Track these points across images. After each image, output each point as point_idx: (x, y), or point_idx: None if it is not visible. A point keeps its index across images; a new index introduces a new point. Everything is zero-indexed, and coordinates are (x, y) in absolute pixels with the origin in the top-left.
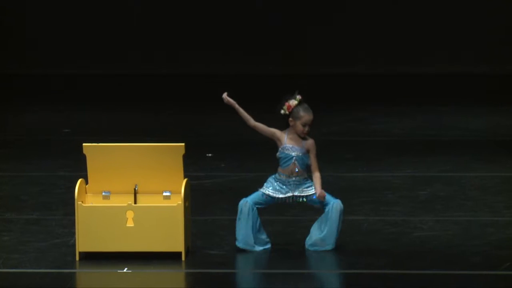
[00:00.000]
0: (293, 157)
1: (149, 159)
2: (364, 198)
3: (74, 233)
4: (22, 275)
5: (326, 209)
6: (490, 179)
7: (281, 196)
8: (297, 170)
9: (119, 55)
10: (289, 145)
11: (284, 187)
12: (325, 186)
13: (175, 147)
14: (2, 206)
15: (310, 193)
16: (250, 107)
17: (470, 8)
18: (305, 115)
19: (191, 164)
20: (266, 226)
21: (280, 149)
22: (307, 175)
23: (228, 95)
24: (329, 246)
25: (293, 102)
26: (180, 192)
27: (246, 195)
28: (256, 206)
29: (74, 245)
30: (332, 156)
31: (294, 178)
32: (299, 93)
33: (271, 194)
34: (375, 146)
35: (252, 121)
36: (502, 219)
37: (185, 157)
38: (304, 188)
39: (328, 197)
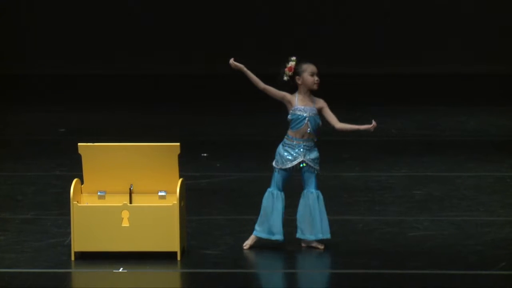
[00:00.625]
0: (305, 117)
1: (144, 159)
2: (360, 197)
3: (69, 233)
4: (17, 274)
5: (309, 198)
6: (485, 179)
7: (293, 164)
8: (309, 131)
9: (118, 55)
10: (301, 106)
11: (292, 152)
12: (320, 185)
13: (170, 147)
14: None
15: (317, 168)
16: (250, 107)
17: (470, 8)
18: (309, 66)
19: (187, 164)
20: None
21: (291, 111)
22: (316, 140)
23: (235, 59)
24: (327, 235)
25: (292, 63)
26: (176, 192)
27: (242, 195)
28: (282, 189)
29: (69, 245)
30: (328, 155)
31: (305, 143)
32: (293, 55)
33: (283, 167)
34: (371, 146)
35: (261, 84)
36: (497, 218)
37: (181, 157)
38: (313, 157)
39: (312, 185)
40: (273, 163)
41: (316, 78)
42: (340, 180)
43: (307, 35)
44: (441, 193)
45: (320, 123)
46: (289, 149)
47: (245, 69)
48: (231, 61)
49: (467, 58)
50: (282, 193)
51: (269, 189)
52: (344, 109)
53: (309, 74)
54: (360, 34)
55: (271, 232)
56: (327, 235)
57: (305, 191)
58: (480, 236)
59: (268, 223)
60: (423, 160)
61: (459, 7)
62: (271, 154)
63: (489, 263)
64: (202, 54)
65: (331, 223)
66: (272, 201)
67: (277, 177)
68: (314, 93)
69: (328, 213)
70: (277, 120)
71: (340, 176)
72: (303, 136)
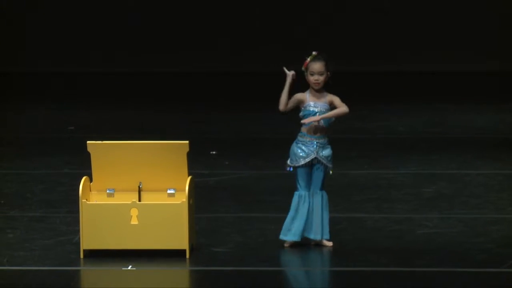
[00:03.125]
0: (316, 112)
1: (153, 156)
2: (368, 195)
3: (78, 231)
4: (26, 272)
5: (313, 198)
6: (494, 177)
7: (306, 161)
8: (320, 125)
9: (120, 55)
10: (312, 102)
11: (305, 149)
12: (329, 183)
13: (179, 145)
14: (7, 204)
15: (329, 166)
16: (259, 105)
17: (473, 7)
18: (312, 64)
19: (195, 162)
20: (268, 224)
21: (302, 108)
22: (328, 137)
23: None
24: (326, 236)
25: (308, 59)
26: (185, 190)
27: (250, 193)
28: (307, 187)
29: (78, 243)
30: (337, 153)
31: (318, 140)
32: (316, 51)
33: (297, 164)
34: (379, 143)
35: (283, 107)
36: (506, 216)
37: (190, 155)
38: (326, 155)
39: (318, 185)
40: (288, 162)
41: (315, 77)
42: (349, 177)
43: (309, 34)
44: (449, 191)
45: (333, 119)
46: (302, 146)
47: (290, 80)
48: (284, 69)
49: (476, 56)
50: (310, 193)
51: (296, 192)
52: (351, 107)
53: (309, 74)
54: (362, 32)
55: (287, 233)
56: (326, 236)
57: (310, 189)
58: (489, 234)
59: (290, 225)
60: (432, 158)
61: (461, 5)
62: (280, 152)
63: (498, 261)
64: (208, 53)
65: (340, 221)
66: (298, 204)
67: (298, 177)
68: (328, 90)
69: (336, 211)
70: (286, 118)
71: (349, 174)
72: (315, 133)
